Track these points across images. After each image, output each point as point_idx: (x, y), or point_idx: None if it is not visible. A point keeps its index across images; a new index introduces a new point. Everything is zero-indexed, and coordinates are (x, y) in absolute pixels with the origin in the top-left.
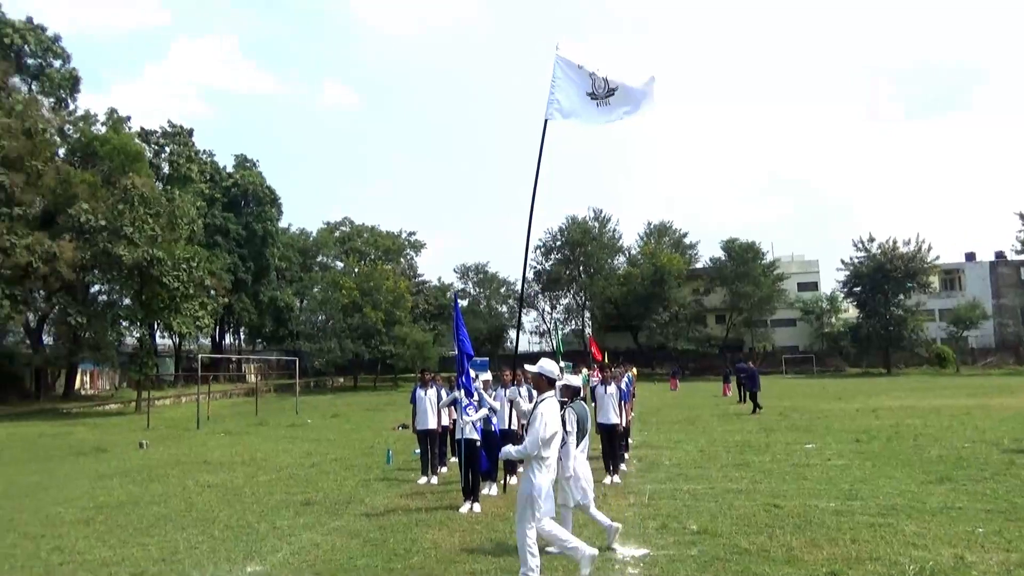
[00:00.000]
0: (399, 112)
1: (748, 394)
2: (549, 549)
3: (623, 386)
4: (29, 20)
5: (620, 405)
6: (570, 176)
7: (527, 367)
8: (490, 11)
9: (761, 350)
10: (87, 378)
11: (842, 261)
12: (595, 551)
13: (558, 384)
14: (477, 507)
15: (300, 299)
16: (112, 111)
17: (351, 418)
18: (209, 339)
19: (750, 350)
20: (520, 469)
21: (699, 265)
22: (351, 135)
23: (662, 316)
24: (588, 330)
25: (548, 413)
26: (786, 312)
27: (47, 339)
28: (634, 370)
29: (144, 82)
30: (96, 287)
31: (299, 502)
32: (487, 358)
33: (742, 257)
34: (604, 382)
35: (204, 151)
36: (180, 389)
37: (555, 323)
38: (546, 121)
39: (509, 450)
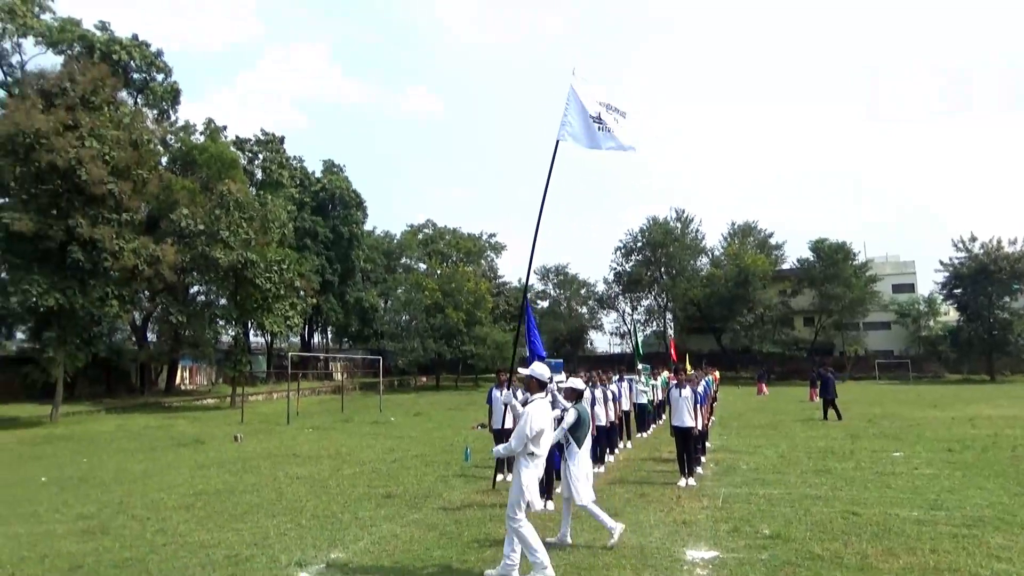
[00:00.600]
0: (481, 117)
1: (823, 400)
2: (549, 539)
3: (700, 389)
4: (135, 37)
5: (695, 408)
6: (651, 176)
7: (520, 371)
8: (571, 24)
9: (852, 354)
10: (187, 374)
11: (941, 262)
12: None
13: (562, 387)
14: (551, 505)
15: (384, 300)
16: (210, 121)
17: (432, 416)
18: (299, 338)
19: (840, 354)
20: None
21: (785, 266)
22: (435, 139)
23: (747, 318)
24: (670, 332)
25: (535, 413)
26: (880, 315)
27: (151, 337)
28: (716, 373)
29: (238, 91)
30: (195, 288)
31: (380, 495)
32: (562, 360)
33: (832, 258)
34: (679, 385)
35: (294, 157)
36: (272, 386)
37: (634, 325)
38: (557, 142)
39: (498, 449)
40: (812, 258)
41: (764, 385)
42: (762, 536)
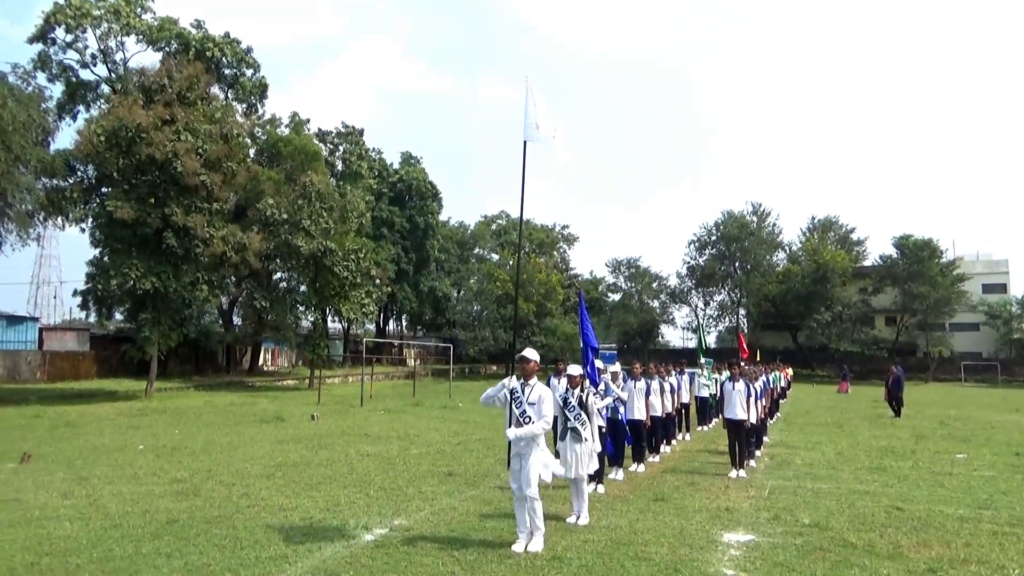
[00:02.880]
0: (554, 109)
1: (891, 398)
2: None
3: (758, 384)
4: (226, 35)
5: (747, 401)
6: (728, 169)
7: (524, 353)
8: (647, 21)
9: (936, 355)
10: (269, 356)
11: None
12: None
13: (567, 374)
14: (601, 488)
15: (457, 289)
16: (294, 114)
17: None
18: (374, 325)
19: (924, 355)
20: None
21: (867, 263)
22: (509, 131)
23: (824, 316)
24: (745, 327)
25: (552, 396)
26: (968, 316)
27: (236, 320)
28: (788, 371)
29: (319, 82)
30: (278, 275)
31: (443, 473)
32: (615, 351)
33: (916, 255)
34: (732, 378)
35: (373, 149)
36: (347, 369)
37: (700, 320)
38: (525, 143)
39: (536, 429)
40: (896, 255)
41: (847, 383)
42: (801, 524)
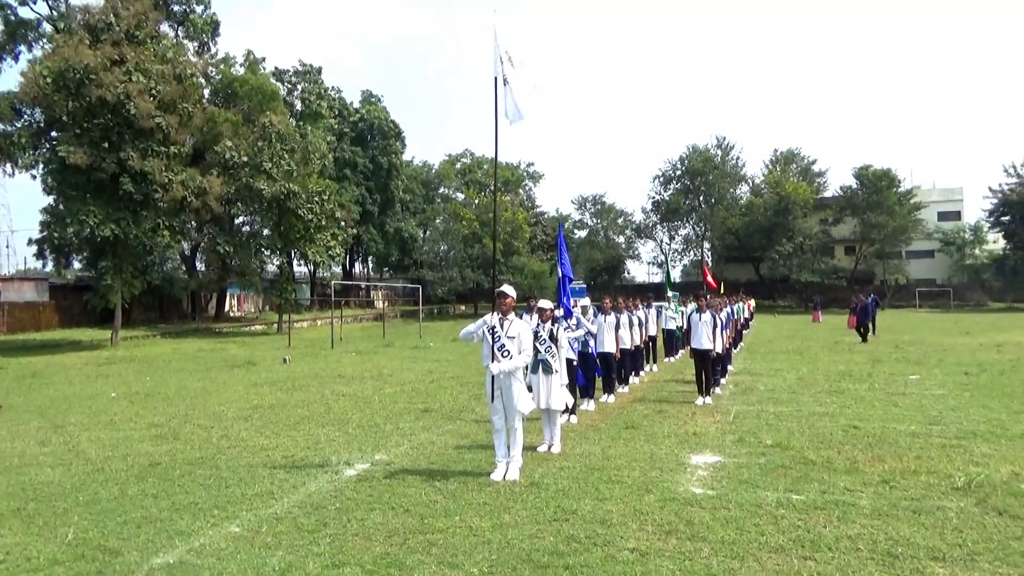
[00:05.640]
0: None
1: (858, 325)
2: (540, 449)
3: (723, 315)
4: None
5: (714, 332)
6: (694, 103)
7: (502, 289)
8: None
9: (893, 283)
10: (235, 301)
11: (990, 188)
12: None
13: (537, 307)
14: (574, 419)
15: (423, 230)
16: (249, 53)
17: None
18: (340, 268)
19: (881, 283)
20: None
21: (828, 194)
22: (470, 68)
23: (786, 247)
24: (709, 261)
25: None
26: (923, 243)
27: (200, 266)
28: (751, 302)
29: (275, 15)
30: (240, 219)
31: (419, 410)
32: (584, 286)
33: (875, 185)
34: (699, 310)
35: (332, 88)
36: (316, 313)
37: (666, 254)
38: (496, 81)
39: (519, 362)
40: (855, 185)
41: (819, 313)
42: (764, 445)
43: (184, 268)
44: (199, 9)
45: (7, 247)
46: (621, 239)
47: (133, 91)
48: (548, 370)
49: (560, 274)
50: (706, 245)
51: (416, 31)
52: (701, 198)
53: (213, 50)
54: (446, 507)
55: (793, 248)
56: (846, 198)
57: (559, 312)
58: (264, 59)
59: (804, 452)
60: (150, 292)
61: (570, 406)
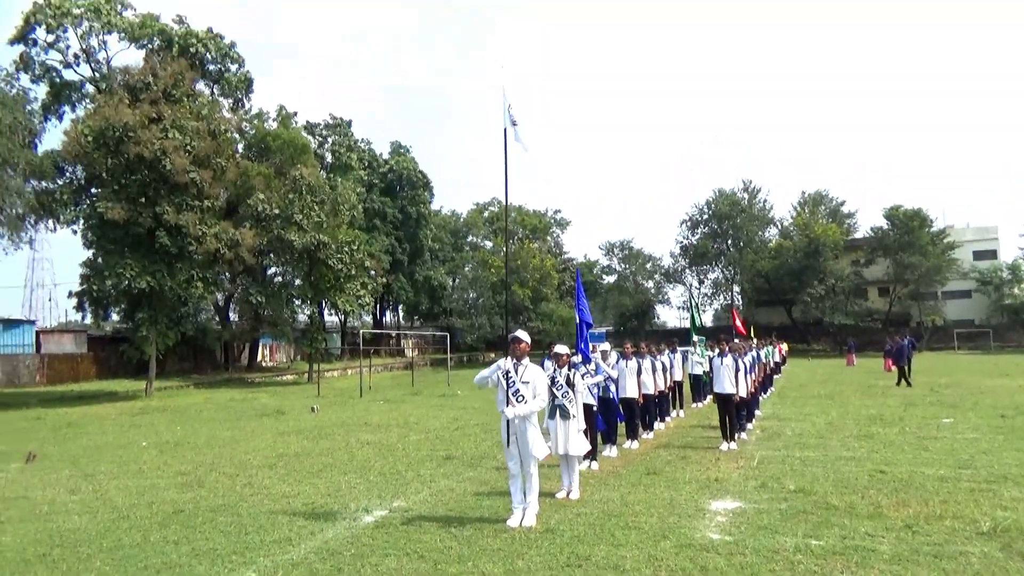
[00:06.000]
0: (542, 93)
1: (897, 368)
2: (559, 495)
3: (747, 359)
4: (210, 30)
5: (736, 375)
6: (719, 148)
7: (516, 334)
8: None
9: (930, 324)
10: (267, 351)
11: None
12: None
13: (554, 352)
14: (595, 465)
15: (452, 278)
16: (281, 108)
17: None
18: (371, 316)
19: (917, 324)
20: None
21: (858, 235)
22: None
23: (817, 289)
24: (738, 304)
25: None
26: (960, 283)
27: (233, 317)
28: (782, 346)
29: (306, 72)
30: (272, 269)
31: (441, 457)
32: (604, 332)
33: (907, 225)
34: (721, 354)
35: (362, 140)
36: (346, 362)
37: (691, 299)
38: (505, 131)
39: (533, 406)
40: (886, 226)
41: (854, 356)
42: (786, 491)
43: (218, 319)
44: (233, 68)
45: (50, 300)
46: (650, 284)
47: (169, 147)
48: (566, 415)
49: (578, 320)
50: (736, 289)
51: (441, 81)
52: (729, 241)
53: (247, 106)
54: (460, 553)
55: (825, 290)
56: (877, 239)
57: (577, 358)
58: (296, 113)
59: (827, 497)
60: (184, 343)
61: (587, 452)
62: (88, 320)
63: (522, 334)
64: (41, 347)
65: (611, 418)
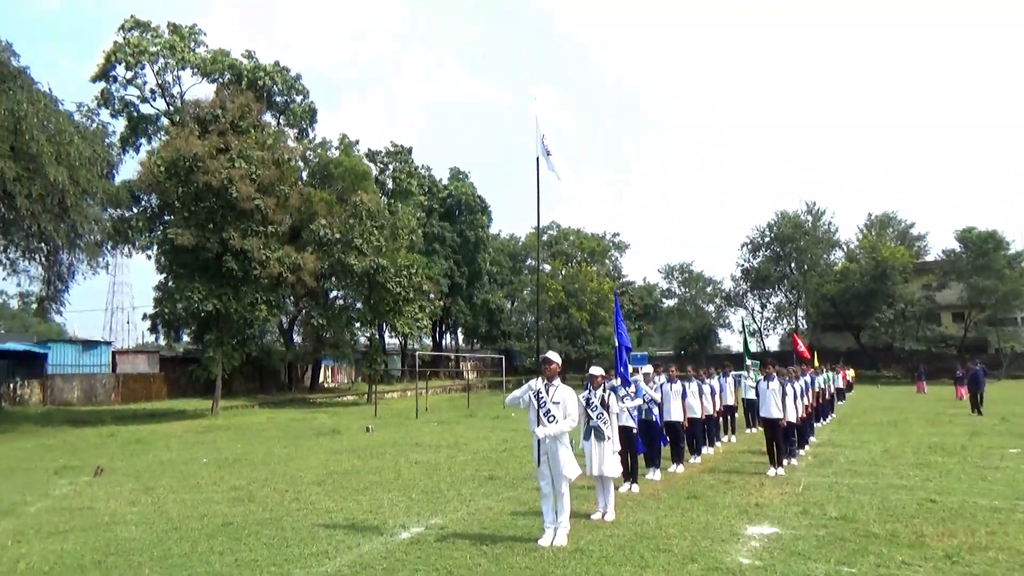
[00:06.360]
0: (603, 118)
1: (970, 395)
2: (594, 516)
3: (799, 385)
4: (276, 63)
5: (783, 400)
6: (782, 170)
7: (547, 355)
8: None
9: (1009, 350)
10: (329, 372)
11: None
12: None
13: (589, 374)
14: (636, 488)
15: (511, 301)
16: (343, 136)
17: None
18: (430, 339)
19: (996, 351)
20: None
21: (929, 258)
22: (556, 142)
23: (886, 314)
24: (804, 329)
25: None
26: None
27: (296, 338)
28: (847, 372)
29: (369, 101)
30: (333, 293)
31: (484, 477)
32: (645, 354)
33: (981, 248)
34: (767, 378)
35: (422, 166)
36: (405, 384)
37: (743, 323)
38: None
39: (564, 426)
40: (959, 249)
41: (924, 383)
42: (827, 518)
43: (282, 340)
44: (298, 99)
45: (128, 323)
46: (711, 307)
47: (235, 176)
48: (600, 437)
49: (616, 343)
50: (800, 313)
51: (499, 103)
52: (792, 264)
53: (311, 135)
54: (487, 570)
55: (895, 315)
56: (950, 262)
57: (616, 381)
58: (358, 141)
59: (869, 525)
60: (250, 364)
61: (630, 473)
62: (161, 341)
63: (552, 355)
64: (117, 367)
65: (653, 441)
